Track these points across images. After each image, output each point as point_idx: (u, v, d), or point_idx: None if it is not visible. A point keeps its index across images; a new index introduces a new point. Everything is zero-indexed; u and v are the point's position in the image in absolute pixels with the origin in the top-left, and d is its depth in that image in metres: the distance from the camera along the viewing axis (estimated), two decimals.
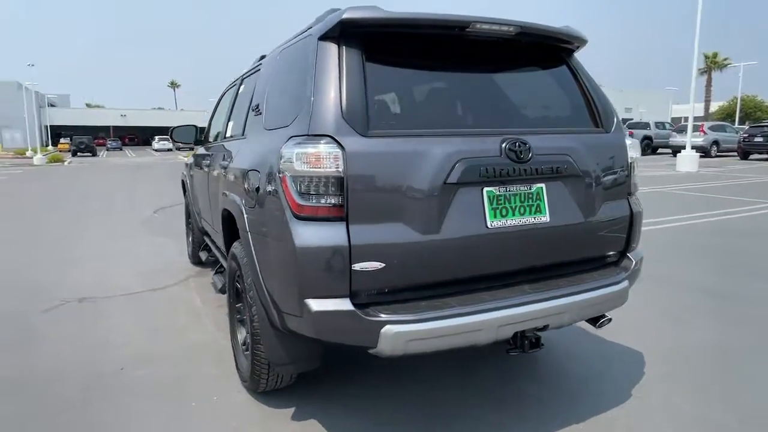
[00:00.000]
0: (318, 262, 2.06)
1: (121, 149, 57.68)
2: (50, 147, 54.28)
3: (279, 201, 2.16)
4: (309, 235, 2.06)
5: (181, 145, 5.26)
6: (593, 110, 2.73)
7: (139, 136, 68.81)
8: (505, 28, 2.42)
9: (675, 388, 2.90)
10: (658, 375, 3.05)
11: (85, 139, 43.27)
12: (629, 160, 2.73)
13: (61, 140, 51.44)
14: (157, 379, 3.11)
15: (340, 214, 2.07)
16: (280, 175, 2.14)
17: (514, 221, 2.33)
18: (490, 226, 2.27)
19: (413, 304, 2.18)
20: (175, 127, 4.88)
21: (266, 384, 2.75)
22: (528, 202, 2.37)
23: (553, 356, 3.36)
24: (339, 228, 2.06)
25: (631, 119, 34.05)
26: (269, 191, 2.27)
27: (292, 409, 2.77)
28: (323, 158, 2.04)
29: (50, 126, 61.84)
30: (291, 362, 2.57)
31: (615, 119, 2.76)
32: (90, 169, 25.19)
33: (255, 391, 2.87)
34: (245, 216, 2.56)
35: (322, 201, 2.06)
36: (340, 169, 2.05)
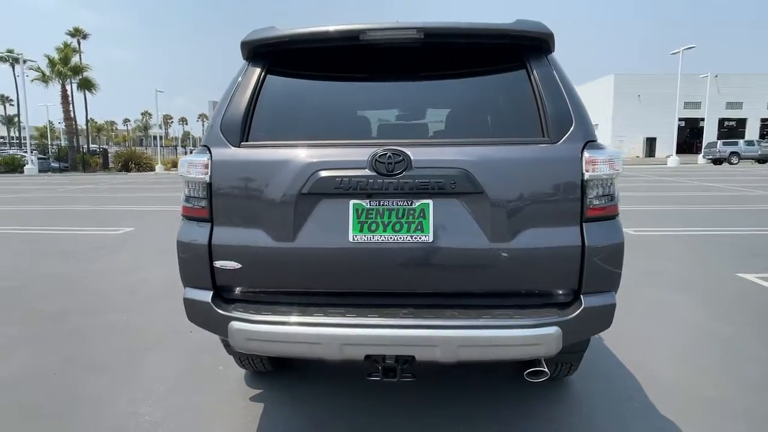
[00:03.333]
0: (188, 255, 2.36)
1: None
2: None
3: None
4: (185, 232, 2.38)
5: None
6: (540, 117, 2.27)
7: None
8: (408, 33, 2.27)
9: None
10: None
11: None
12: (583, 178, 2.18)
13: None
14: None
15: (206, 216, 2.33)
16: None
17: (383, 237, 2.17)
18: (352, 240, 2.19)
19: (272, 308, 2.28)
20: None
21: (240, 363, 3.14)
22: (407, 218, 2.17)
23: None
24: (205, 228, 2.33)
25: None
26: None
27: (256, 392, 3.10)
28: (195, 166, 2.33)
29: None
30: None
31: (571, 127, 2.22)
32: None
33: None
34: None
35: (194, 203, 2.36)
36: (208, 176, 2.31)
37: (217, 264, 2.30)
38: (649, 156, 52.34)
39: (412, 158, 2.15)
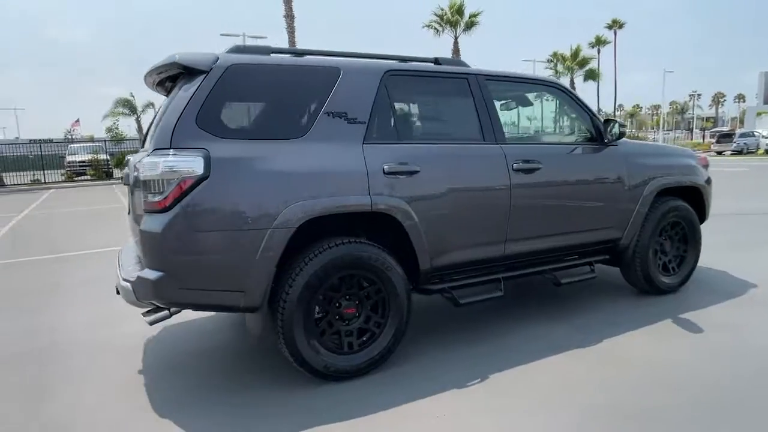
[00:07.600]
0: None
1: None
2: None
3: None
4: None
5: None
6: None
7: None
8: (161, 69, 3.07)
9: None
10: None
11: None
12: (138, 178, 2.77)
13: None
14: None
15: None
16: None
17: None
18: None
19: None
20: None
21: None
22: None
23: None
24: None
25: None
26: None
27: None
28: None
29: None
30: None
31: (156, 140, 2.77)
32: None
33: None
34: None
35: None
36: None
37: None
38: None
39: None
